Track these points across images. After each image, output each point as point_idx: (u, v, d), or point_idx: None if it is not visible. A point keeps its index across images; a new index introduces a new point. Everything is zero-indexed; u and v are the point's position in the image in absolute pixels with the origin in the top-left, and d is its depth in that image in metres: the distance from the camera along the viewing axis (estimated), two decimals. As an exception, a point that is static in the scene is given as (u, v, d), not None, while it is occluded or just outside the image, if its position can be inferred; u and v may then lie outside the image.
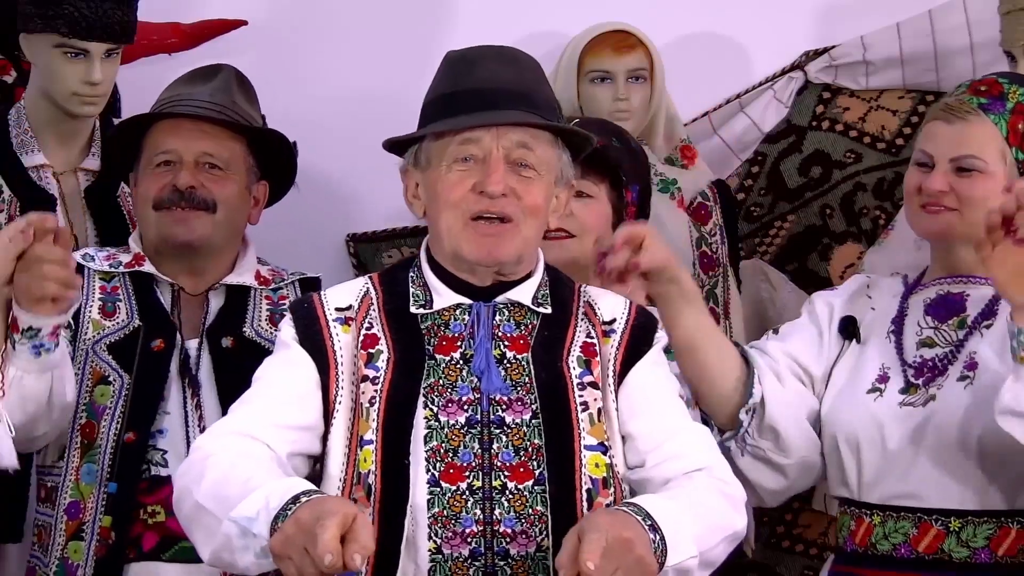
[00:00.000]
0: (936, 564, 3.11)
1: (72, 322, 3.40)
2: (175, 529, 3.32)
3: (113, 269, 3.51)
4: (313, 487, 2.59)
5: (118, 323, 3.46)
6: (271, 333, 3.49)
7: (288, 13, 4.58)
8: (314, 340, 2.84)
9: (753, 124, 4.60)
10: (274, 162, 3.61)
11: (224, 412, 3.37)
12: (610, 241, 3.11)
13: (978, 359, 3.13)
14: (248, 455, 2.70)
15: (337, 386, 2.82)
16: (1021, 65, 3.86)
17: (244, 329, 3.51)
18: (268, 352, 3.42)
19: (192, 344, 3.48)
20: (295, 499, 2.52)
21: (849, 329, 3.30)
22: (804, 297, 4.46)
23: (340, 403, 2.81)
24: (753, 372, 3.23)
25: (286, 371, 2.85)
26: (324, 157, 4.54)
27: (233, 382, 3.41)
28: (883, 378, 3.21)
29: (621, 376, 2.88)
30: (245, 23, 4.45)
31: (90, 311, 3.45)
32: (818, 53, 4.59)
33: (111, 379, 3.42)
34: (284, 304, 3.56)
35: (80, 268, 3.43)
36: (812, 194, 4.56)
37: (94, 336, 3.44)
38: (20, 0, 3.77)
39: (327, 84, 4.57)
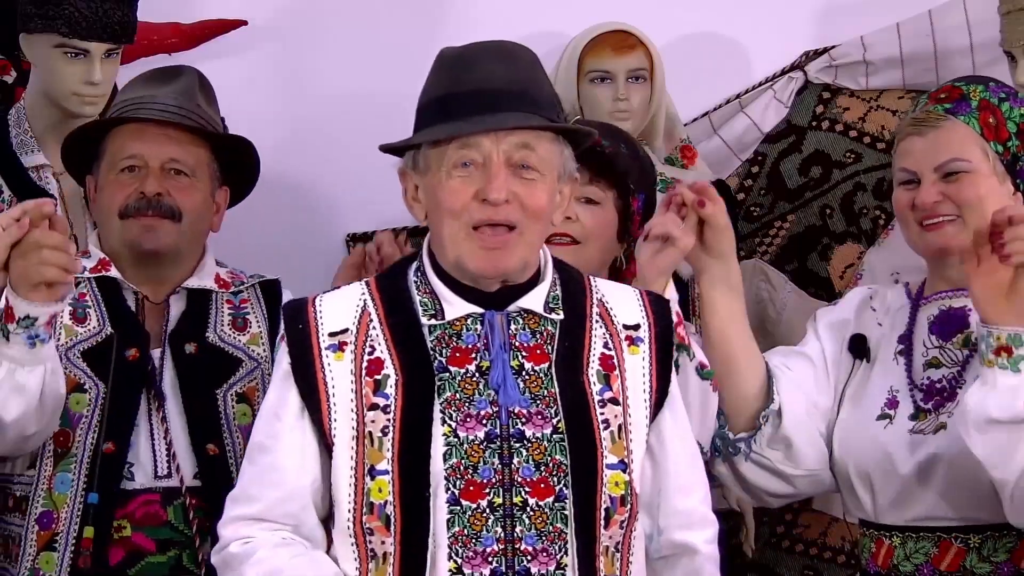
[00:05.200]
0: None
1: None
2: (141, 544, 3.31)
3: (79, 275, 3.38)
4: None
5: (90, 330, 3.39)
6: (235, 338, 3.45)
7: (288, 13, 4.58)
8: (305, 374, 2.77)
9: (753, 124, 4.60)
10: (236, 167, 3.54)
11: (189, 423, 3.35)
12: (687, 181, 3.12)
13: None
14: (278, 563, 2.74)
15: (331, 419, 2.75)
16: (1021, 65, 3.86)
17: (207, 334, 3.44)
18: (233, 359, 3.42)
19: (155, 354, 3.41)
20: None
21: (859, 348, 3.27)
22: (804, 297, 4.48)
23: (336, 435, 2.75)
24: (772, 378, 3.22)
25: (286, 427, 2.78)
26: (324, 157, 4.54)
27: (197, 390, 3.39)
28: (892, 403, 3.19)
29: (658, 392, 2.85)
30: (245, 23, 4.45)
31: (61, 316, 3.33)
32: (818, 53, 4.59)
33: (87, 387, 3.35)
34: (246, 308, 3.50)
35: None
36: (812, 194, 4.56)
37: (67, 342, 3.36)
38: (20, 0, 3.77)
39: (327, 84, 4.57)
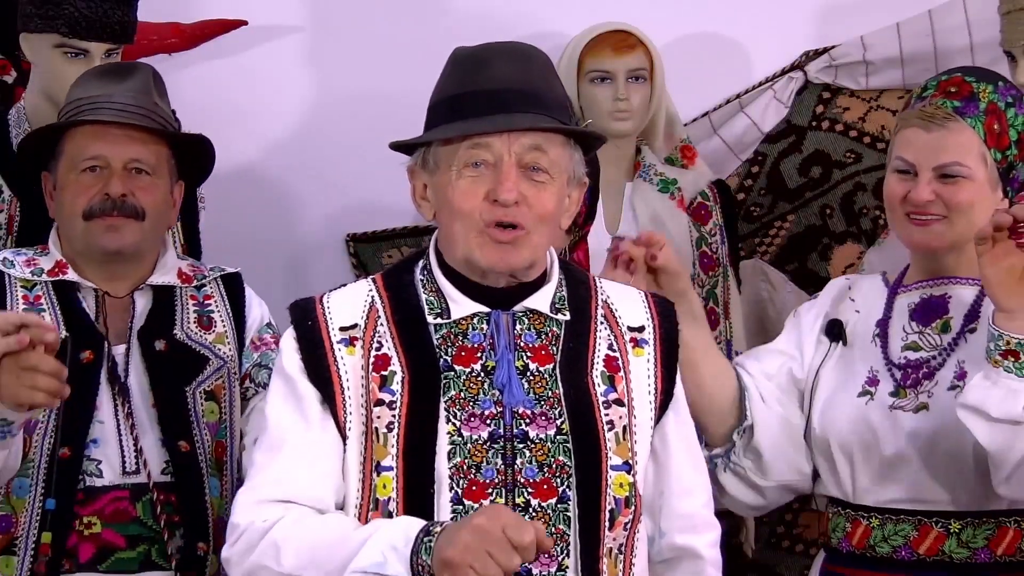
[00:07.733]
0: (936, 565, 3.13)
1: None
2: (111, 540, 3.31)
3: (35, 277, 3.40)
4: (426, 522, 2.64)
5: None
6: (201, 336, 3.44)
7: (288, 13, 4.59)
8: (318, 368, 2.77)
9: (753, 124, 4.60)
10: (190, 160, 3.51)
11: (159, 418, 3.34)
12: (630, 237, 3.14)
13: (967, 368, 3.13)
14: (314, 519, 2.70)
15: (345, 412, 2.75)
16: (1021, 65, 3.86)
17: (175, 331, 3.42)
18: (200, 357, 3.40)
19: (119, 350, 3.39)
20: (426, 531, 2.58)
21: (835, 331, 3.29)
22: (804, 297, 4.48)
23: (351, 428, 2.75)
24: (745, 394, 3.25)
25: (299, 415, 2.77)
26: (324, 157, 4.55)
27: (168, 386, 3.38)
28: (873, 381, 3.21)
29: (663, 394, 2.85)
30: (245, 23, 4.46)
31: None
32: (818, 53, 4.59)
33: None
34: (210, 305, 3.49)
35: None
36: (812, 194, 4.57)
37: None
38: (20, 0, 3.77)
39: (327, 84, 4.57)
